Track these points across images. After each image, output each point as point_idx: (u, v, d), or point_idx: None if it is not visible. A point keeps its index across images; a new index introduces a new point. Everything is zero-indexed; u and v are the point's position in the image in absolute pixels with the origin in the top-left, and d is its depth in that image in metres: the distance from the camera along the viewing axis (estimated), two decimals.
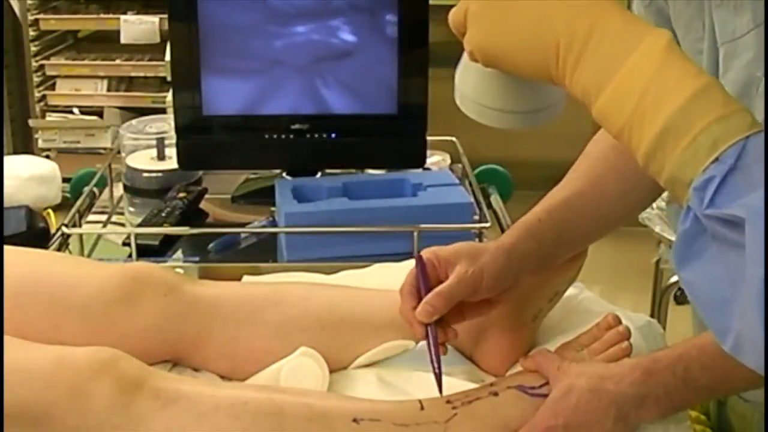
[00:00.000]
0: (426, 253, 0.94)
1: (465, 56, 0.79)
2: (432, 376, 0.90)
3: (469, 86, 0.81)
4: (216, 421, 0.86)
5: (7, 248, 1.02)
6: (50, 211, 1.54)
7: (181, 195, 1.52)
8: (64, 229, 1.38)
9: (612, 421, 0.86)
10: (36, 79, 3.44)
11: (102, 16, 3.42)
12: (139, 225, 1.45)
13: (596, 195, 1.00)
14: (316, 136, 1.52)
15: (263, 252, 1.42)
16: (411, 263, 1.24)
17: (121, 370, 0.87)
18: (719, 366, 0.84)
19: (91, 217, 1.54)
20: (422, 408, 0.90)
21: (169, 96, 1.69)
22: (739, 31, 0.82)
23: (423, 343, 1.01)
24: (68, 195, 1.67)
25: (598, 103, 0.67)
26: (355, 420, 0.87)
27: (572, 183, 1.01)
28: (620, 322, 0.97)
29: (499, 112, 0.80)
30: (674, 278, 2.24)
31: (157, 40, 3.27)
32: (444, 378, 0.97)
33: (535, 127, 0.81)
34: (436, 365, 0.89)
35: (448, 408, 0.90)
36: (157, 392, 0.87)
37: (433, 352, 0.89)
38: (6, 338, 0.89)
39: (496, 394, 0.91)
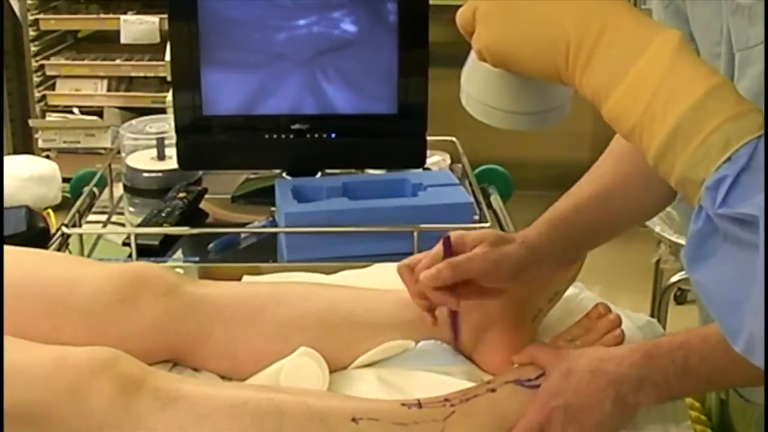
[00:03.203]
0: (453, 235, 0.95)
1: (471, 56, 0.78)
2: (432, 375, 0.90)
3: (475, 87, 0.80)
4: (215, 421, 0.86)
5: (7, 248, 1.02)
6: (50, 211, 1.54)
7: (181, 195, 1.52)
8: (64, 229, 1.38)
9: (611, 402, 0.87)
10: (36, 79, 3.44)
11: (102, 16, 3.42)
12: (139, 225, 1.45)
13: (622, 194, 1.00)
14: (316, 136, 1.52)
15: (263, 252, 1.42)
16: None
17: (120, 370, 0.87)
18: (719, 359, 0.84)
19: (91, 217, 1.54)
20: (420, 407, 0.90)
21: (169, 96, 1.69)
22: (753, 40, 0.81)
23: (423, 342, 1.03)
24: (68, 195, 1.67)
25: (609, 104, 0.67)
26: (354, 419, 0.88)
27: (599, 180, 1.01)
28: (610, 311, 0.98)
29: (505, 113, 0.80)
30: (674, 278, 2.24)
31: (157, 40, 3.27)
32: (443, 377, 0.97)
33: (541, 128, 0.81)
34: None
35: (446, 406, 0.90)
36: (157, 392, 0.87)
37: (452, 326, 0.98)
38: (6, 338, 0.89)
39: (493, 390, 0.92)
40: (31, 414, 0.85)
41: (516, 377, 0.93)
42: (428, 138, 1.54)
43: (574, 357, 0.90)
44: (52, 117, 3.48)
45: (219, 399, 0.88)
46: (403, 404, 0.90)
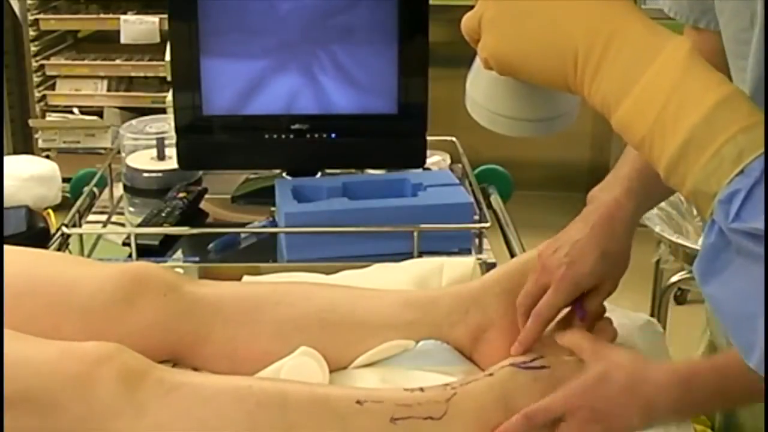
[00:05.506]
0: (571, 285, 0.98)
1: (477, 63, 0.77)
2: (432, 375, 0.92)
3: (481, 93, 0.80)
4: (221, 404, 0.87)
5: (7, 248, 1.02)
6: (50, 211, 1.54)
7: (181, 195, 1.52)
8: (64, 229, 1.38)
9: (638, 419, 0.88)
10: (36, 79, 3.44)
11: (102, 16, 3.43)
12: (139, 225, 1.45)
13: None
14: (316, 136, 1.52)
15: (263, 252, 1.42)
16: (410, 262, 1.26)
17: (125, 361, 0.88)
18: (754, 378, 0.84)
19: (91, 217, 1.54)
20: (423, 390, 0.91)
21: (169, 96, 1.69)
22: None
23: (423, 342, 1.03)
24: (68, 195, 1.67)
25: (618, 114, 0.66)
26: (358, 402, 0.89)
27: None
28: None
29: (511, 120, 0.79)
30: (674, 278, 2.24)
31: (157, 40, 3.28)
32: (443, 377, 0.97)
33: (548, 135, 0.80)
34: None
35: (447, 389, 0.91)
36: (161, 380, 0.88)
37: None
38: (10, 332, 0.89)
39: (491, 374, 0.93)
40: (36, 402, 0.85)
41: (511, 362, 0.95)
42: (428, 138, 1.54)
43: (613, 361, 0.90)
44: (52, 117, 3.48)
45: (223, 383, 0.89)
46: (406, 389, 0.92)
